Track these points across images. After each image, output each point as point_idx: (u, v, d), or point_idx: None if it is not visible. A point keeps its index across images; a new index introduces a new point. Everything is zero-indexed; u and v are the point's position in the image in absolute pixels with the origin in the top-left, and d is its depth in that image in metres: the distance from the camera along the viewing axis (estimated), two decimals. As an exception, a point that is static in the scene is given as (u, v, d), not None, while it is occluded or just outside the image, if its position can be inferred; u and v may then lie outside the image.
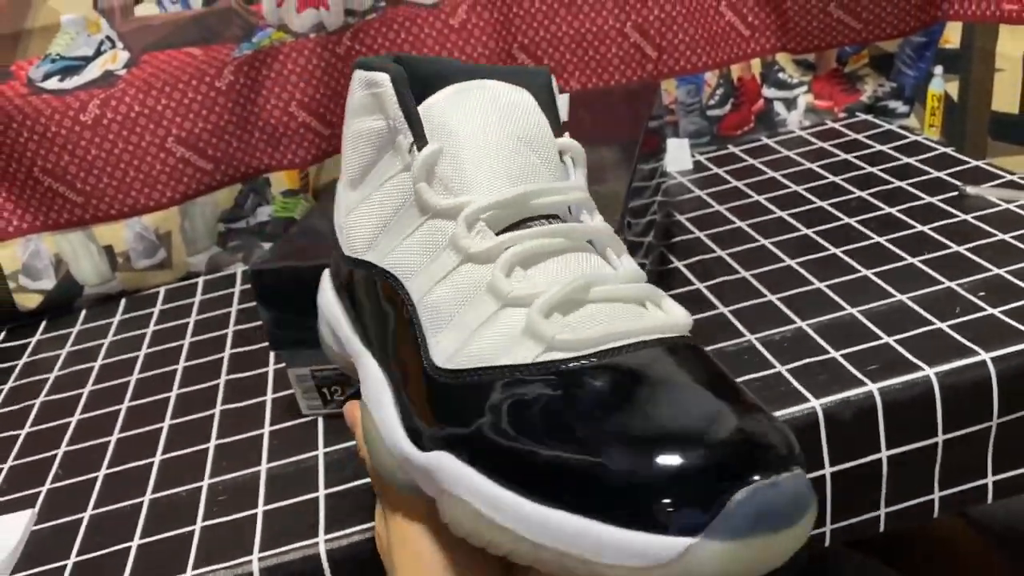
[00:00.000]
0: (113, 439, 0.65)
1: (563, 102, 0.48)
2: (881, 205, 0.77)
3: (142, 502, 0.57)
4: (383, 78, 0.37)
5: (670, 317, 0.33)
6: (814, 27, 0.93)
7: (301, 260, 0.61)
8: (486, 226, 0.35)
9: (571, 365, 0.30)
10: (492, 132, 0.36)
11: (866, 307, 0.62)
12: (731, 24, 0.94)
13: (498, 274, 0.33)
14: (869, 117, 0.96)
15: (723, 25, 0.93)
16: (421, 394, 0.34)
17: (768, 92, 0.97)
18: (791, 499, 0.26)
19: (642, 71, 0.93)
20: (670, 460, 0.26)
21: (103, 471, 0.61)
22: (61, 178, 0.81)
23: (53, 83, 0.78)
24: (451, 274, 0.35)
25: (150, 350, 0.77)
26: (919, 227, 0.72)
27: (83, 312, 0.86)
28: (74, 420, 0.68)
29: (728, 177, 0.88)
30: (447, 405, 0.33)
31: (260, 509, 0.54)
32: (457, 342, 0.33)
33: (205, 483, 0.58)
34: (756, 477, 0.26)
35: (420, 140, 0.36)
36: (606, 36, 0.91)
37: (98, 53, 0.79)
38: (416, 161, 0.36)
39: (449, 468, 0.31)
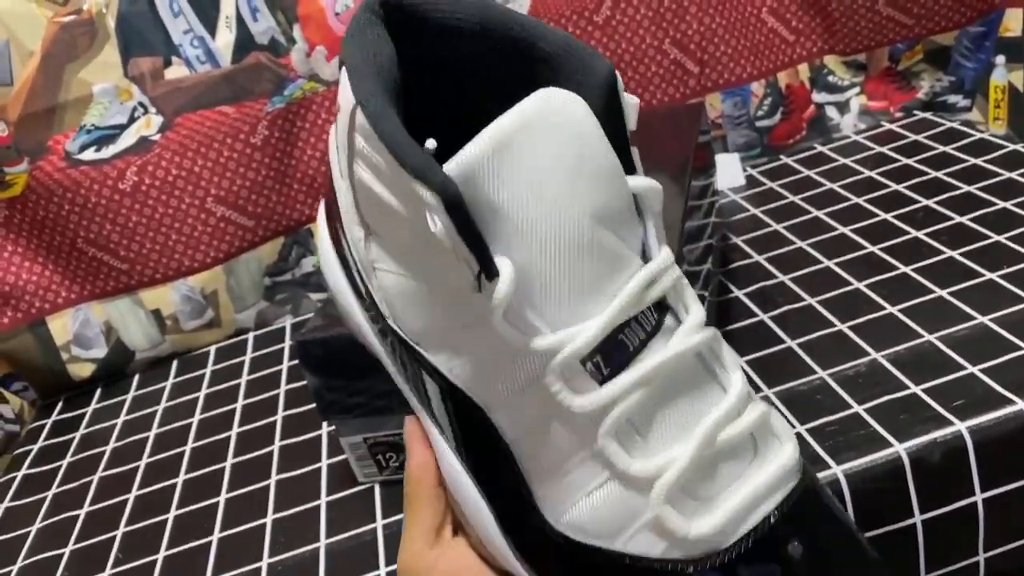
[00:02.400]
0: (171, 516, 0.64)
1: (631, 106, 0.34)
2: (950, 214, 0.72)
3: (202, 587, 0.56)
4: (434, 203, 0.27)
5: (780, 458, 0.30)
6: (862, 27, 0.89)
7: (344, 327, 0.59)
8: (584, 372, 0.29)
9: (697, 569, 0.29)
10: (561, 217, 0.28)
11: (946, 332, 0.58)
12: (774, 30, 0.90)
13: (608, 445, 0.29)
14: (928, 115, 0.92)
15: (766, 32, 0.90)
16: (534, 540, 0.32)
17: (819, 97, 0.93)
18: None
19: (685, 87, 0.90)
20: None
21: (162, 553, 0.60)
22: (104, 247, 0.81)
23: (90, 154, 0.78)
24: (548, 427, 0.30)
25: (203, 416, 0.76)
26: (994, 237, 0.67)
27: (136, 377, 0.86)
28: (132, 496, 0.67)
29: (784, 191, 0.84)
30: (567, 567, 0.31)
31: (321, 592, 0.53)
32: (564, 502, 0.31)
33: (264, 563, 0.56)
34: None
35: (489, 269, 0.28)
36: (644, 55, 0.88)
37: (132, 120, 0.78)
38: (496, 299, 0.28)
39: None
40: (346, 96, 0.30)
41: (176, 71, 0.78)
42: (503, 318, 0.28)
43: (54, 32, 0.75)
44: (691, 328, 0.30)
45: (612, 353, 0.29)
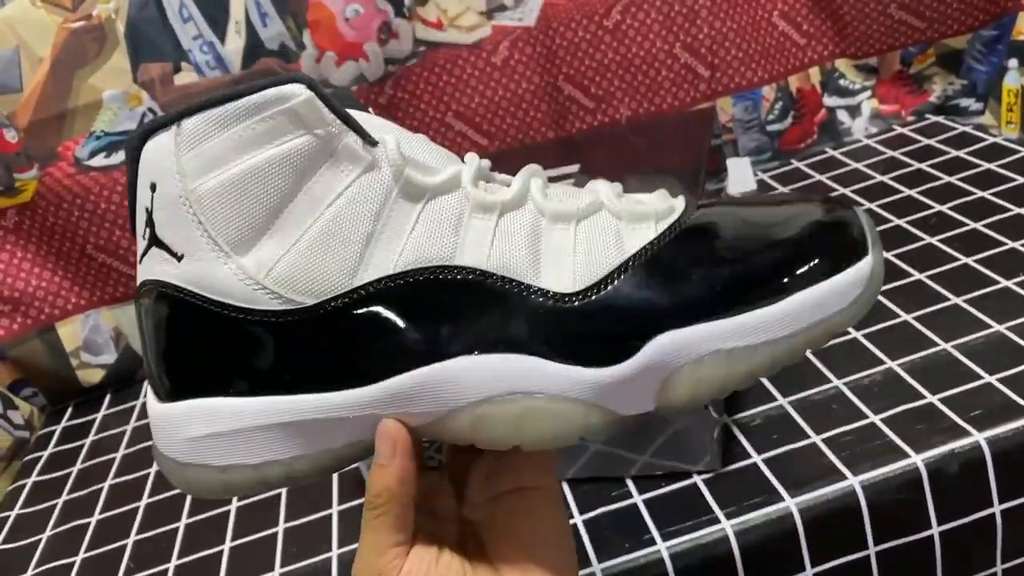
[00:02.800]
0: (181, 525, 0.63)
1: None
2: (965, 220, 0.72)
3: (214, 597, 0.56)
4: (297, 89, 0.33)
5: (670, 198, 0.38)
6: (874, 30, 0.89)
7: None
8: (490, 184, 0.36)
9: (694, 216, 0.35)
10: (394, 127, 0.37)
11: (962, 341, 0.58)
12: (785, 34, 0.89)
13: (546, 204, 0.35)
14: (940, 119, 0.91)
15: (777, 36, 0.89)
16: (565, 329, 0.34)
17: (830, 100, 0.92)
18: None
19: (695, 92, 0.89)
20: (832, 221, 0.34)
21: (173, 562, 0.60)
22: (114, 253, 0.81)
23: (99, 160, 0.77)
24: (496, 231, 0.35)
25: (214, 422, 0.76)
26: (1010, 243, 0.67)
27: (146, 383, 0.85)
28: (142, 504, 0.67)
29: (795, 197, 0.84)
30: (613, 310, 0.34)
31: (334, 603, 0.52)
32: (567, 270, 0.34)
33: (277, 573, 0.56)
34: (859, 212, 0.35)
35: (367, 136, 0.34)
36: (655, 59, 0.87)
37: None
38: (389, 151, 0.34)
39: (675, 344, 0.33)
40: (155, 169, 0.34)
41: (185, 77, 0.78)
42: (409, 170, 0.34)
43: (64, 38, 0.75)
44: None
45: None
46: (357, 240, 0.34)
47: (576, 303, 0.34)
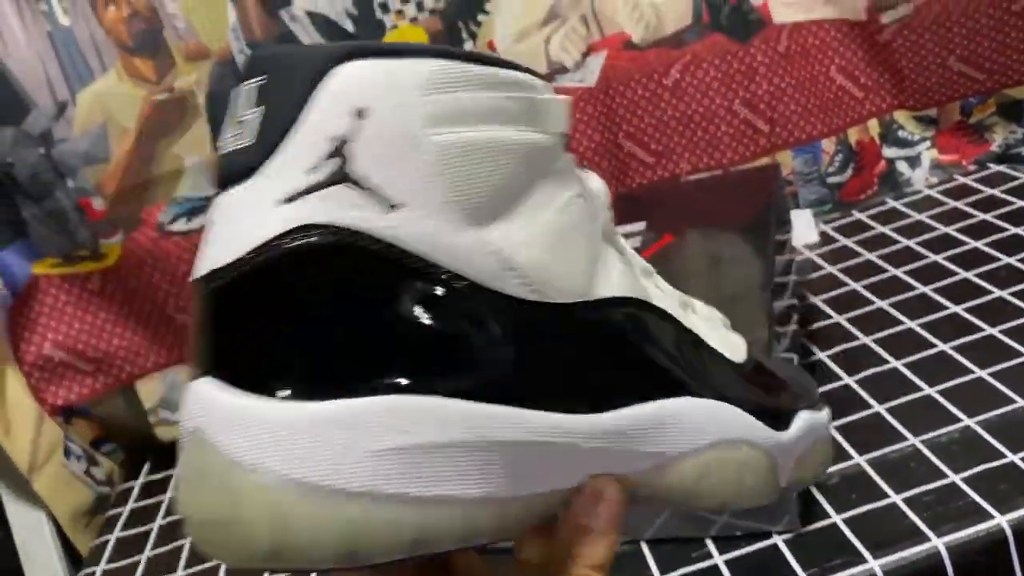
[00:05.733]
0: (264, 582, 0.65)
1: None
2: (1035, 272, 0.71)
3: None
4: (542, 84, 0.30)
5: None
6: (933, 83, 0.89)
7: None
8: None
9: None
10: None
11: (1041, 398, 0.58)
12: (843, 88, 0.90)
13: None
14: (1002, 168, 0.91)
15: (835, 90, 0.90)
16: (748, 392, 0.35)
17: (889, 152, 0.93)
18: None
19: (755, 146, 0.90)
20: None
21: (258, 620, 0.61)
22: (193, 313, 0.83)
23: (180, 224, 0.81)
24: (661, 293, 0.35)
25: (289, 479, 0.77)
26: (1084, 296, 0.67)
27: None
28: (224, 561, 0.69)
29: (859, 249, 0.84)
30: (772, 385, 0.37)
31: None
32: (723, 345, 0.36)
33: (360, 632, 0.57)
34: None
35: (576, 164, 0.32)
36: (714, 116, 0.89)
37: (220, 191, 0.81)
38: (595, 187, 0.33)
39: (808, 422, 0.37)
40: (375, 95, 0.26)
41: (262, 144, 0.81)
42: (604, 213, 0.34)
43: (148, 110, 0.79)
44: None
45: None
46: (587, 253, 0.30)
47: (743, 373, 0.36)
